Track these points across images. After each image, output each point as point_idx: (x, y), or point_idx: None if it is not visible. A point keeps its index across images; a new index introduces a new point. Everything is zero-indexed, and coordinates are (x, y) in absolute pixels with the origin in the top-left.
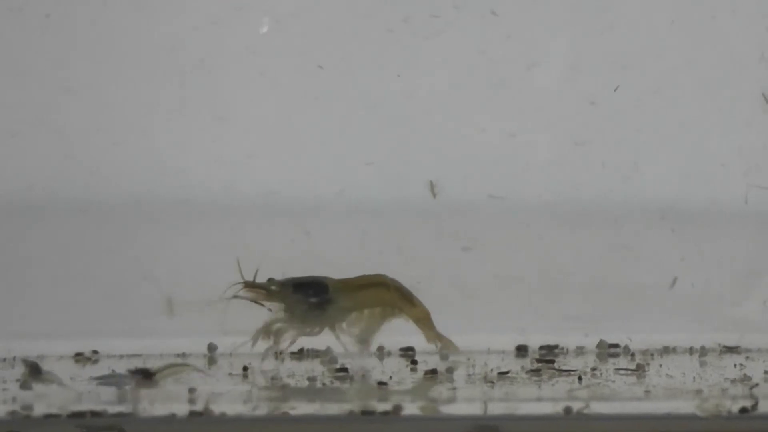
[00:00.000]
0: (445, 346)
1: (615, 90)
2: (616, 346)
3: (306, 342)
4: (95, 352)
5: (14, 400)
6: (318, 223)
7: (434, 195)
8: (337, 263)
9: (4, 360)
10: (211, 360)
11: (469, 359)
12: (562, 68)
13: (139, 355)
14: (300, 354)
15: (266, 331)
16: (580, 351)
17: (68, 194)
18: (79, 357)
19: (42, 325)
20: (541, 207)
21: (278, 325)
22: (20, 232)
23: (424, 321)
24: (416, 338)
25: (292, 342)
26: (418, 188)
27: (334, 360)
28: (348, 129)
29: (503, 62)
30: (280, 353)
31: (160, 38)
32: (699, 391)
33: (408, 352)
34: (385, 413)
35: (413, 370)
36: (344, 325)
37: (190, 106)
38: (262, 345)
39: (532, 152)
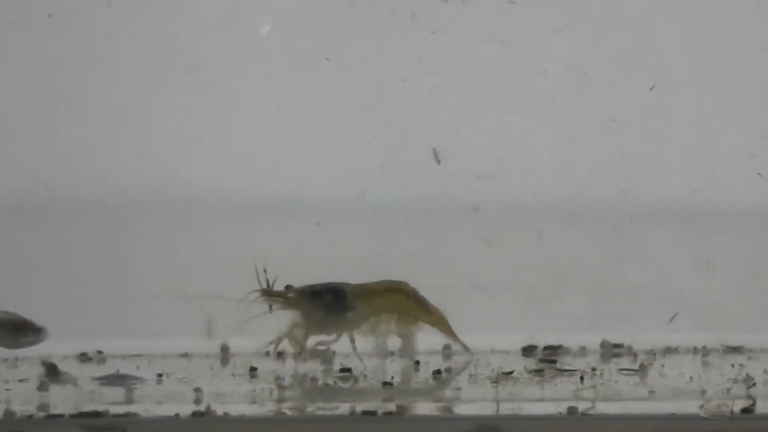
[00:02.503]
0: (462, 349)
1: (651, 89)
2: (619, 346)
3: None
4: (99, 352)
5: (16, 400)
6: (324, 223)
7: (438, 162)
8: (342, 263)
9: (6, 360)
10: (224, 360)
11: (477, 359)
12: (563, 68)
13: (142, 355)
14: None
15: (286, 337)
16: (583, 351)
17: (69, 194)
18: (83, 357)
19: (44, 325)
20: (544, 207)
21: (296, 331)
22: (22, 232)
23: (440, 326)
24: (418, 338)
25: (313, 347)
26: (422, 188)
27: (329, 360)
28: (352, 128)
29: (502, 62)
30: (303, 359)
31: (164, 38)
32: (702, 392)
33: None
34: (388, 413)
35: (416, 370)
36: (361, 329)
37: (193, 106)
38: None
39: (535, 152)
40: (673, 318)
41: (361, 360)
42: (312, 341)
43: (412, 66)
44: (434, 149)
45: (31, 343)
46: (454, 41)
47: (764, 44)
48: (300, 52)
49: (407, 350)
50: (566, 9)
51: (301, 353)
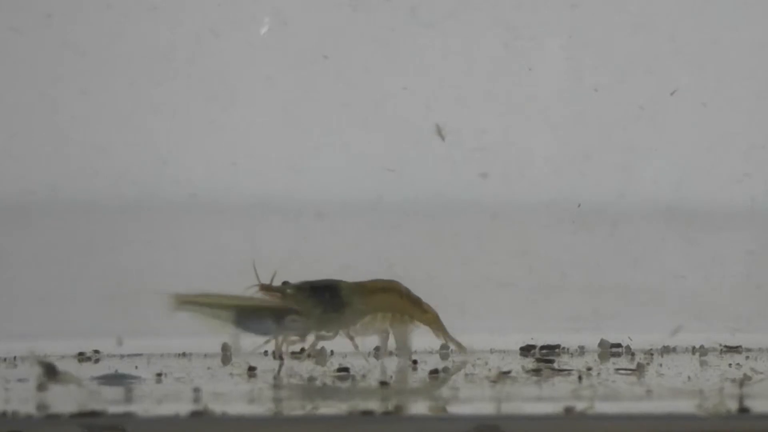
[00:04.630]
0: (456, 348)
1: (672, 94)
2: (617, 345)
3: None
4: (97, 351)
5: (15, 399)
6: (321, 223)
7: (443, 138)
8: (339, 264)
9: (5, 360)
10: (225, 359)
11: (477, 359)
12: (564, 68)
13: (141, 355)
14: (301, 354)
15: (284, 335)
16: (581, 351)
17: (68, 194)
18: (81, 356)
19: (44, 325)
20: (544, 207)
21: (294, 327)
22: (22, 232)
23: (434, 325)
24: (416, 338)
25: (313, 345)
26: (421, 186)
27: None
28: (353, 124)
29: (501, 61)
30: (307, 356)
31: (162, 37)
32: (699, 391)
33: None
34: (386, 413)
35: (414, 369)
36: (357, 327)
37: (195, 105)
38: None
39: (534, 151)
40: (676, 331)
41: (366, 360)
42: (310, 338)
43: (412, 61)
44: (437, 125)
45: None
46: (453, 35)
47: (765, 44)
48: (300, 49)
49: (403, 349)
50: (569, 6)
51: (303, 351)
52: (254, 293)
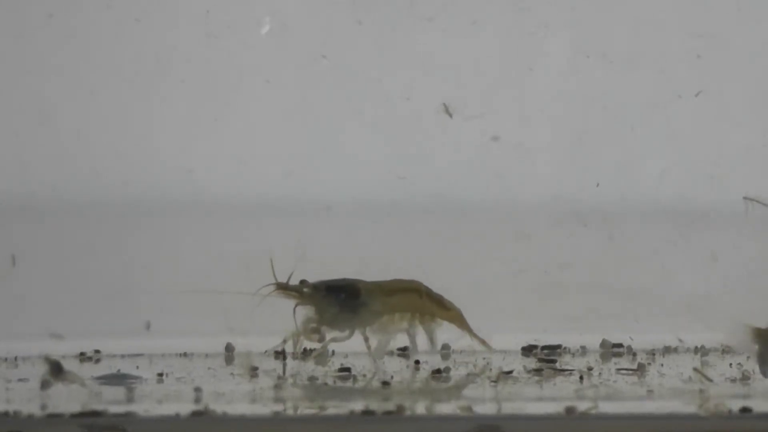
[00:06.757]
0: (480, 344)
1: (696, 95)
2: (619, 345)
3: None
4: (97, 351)
5: (17, 399)
6: (321, 224)
7: (450, 115)
8: (347, 262)
9: (6, 360)
10: (228, 359)
11: (474, 359)
12: (563, 68)
13: (142, 355)
14: (303, 354)
15: (302, 332)
16: (583, 351)
17: (68, 194)
18: (83, 356)
19: (45, 325)
20: (544, 206)
21: (311, 326)
22: (22, 232)
23: (458, 322)
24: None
25: (325, 345)
26: (422, 186)
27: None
28: (355, 123)
29: (501, 61)
30: (314, 357)
31: (163, 38)
32: (700, 391)
33: (406, 352)
34: (387, 413)
35: (416, 369)
36: (375, 328)
37: (193, 106)
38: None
39: (534, 151)
40: (677, 331)
41: (376, 361)
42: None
43: (411, 57)
44: (444, 104)
45: None
46: (451, 29)
47: (765, 43)
48: (300, 48)
49: (431, 348)
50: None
51: (319, 350)
52: (271, 292)
